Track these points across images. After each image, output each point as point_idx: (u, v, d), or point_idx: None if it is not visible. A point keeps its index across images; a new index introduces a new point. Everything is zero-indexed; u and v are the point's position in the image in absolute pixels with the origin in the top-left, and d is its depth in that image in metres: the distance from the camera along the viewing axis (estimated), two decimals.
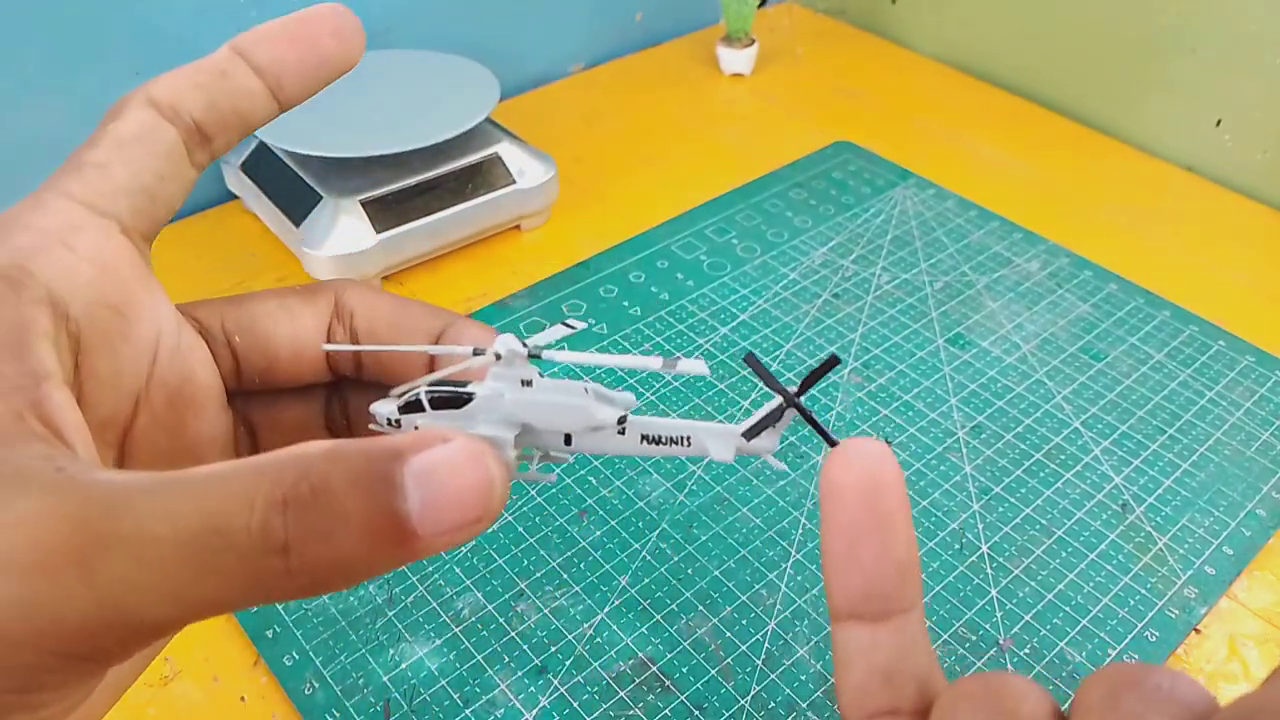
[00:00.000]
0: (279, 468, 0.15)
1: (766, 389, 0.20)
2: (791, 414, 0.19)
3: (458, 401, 0.19)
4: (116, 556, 0.14)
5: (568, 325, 0.20)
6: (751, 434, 0.20)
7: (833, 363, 0.18)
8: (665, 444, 0.20)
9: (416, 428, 0.20)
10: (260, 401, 0.23)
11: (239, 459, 0.15)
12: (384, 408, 0.20)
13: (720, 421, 0.20)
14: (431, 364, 0.22)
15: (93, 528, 0.14)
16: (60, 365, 0.17)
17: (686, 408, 0.48)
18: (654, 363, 0.19)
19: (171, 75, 0.20)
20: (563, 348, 0.20)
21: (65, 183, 0.19)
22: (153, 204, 0.20)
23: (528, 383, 0.19)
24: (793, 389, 0.19)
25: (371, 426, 0.20)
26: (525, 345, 0.19)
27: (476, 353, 0.19)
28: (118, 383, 0.19)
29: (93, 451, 0.17)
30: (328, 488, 0.15)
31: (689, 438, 0.20)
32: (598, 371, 0.49)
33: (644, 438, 0.20)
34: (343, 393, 0.24)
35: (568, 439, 0.20)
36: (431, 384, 0.20)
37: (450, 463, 0.15)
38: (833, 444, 0.19)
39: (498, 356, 0.19)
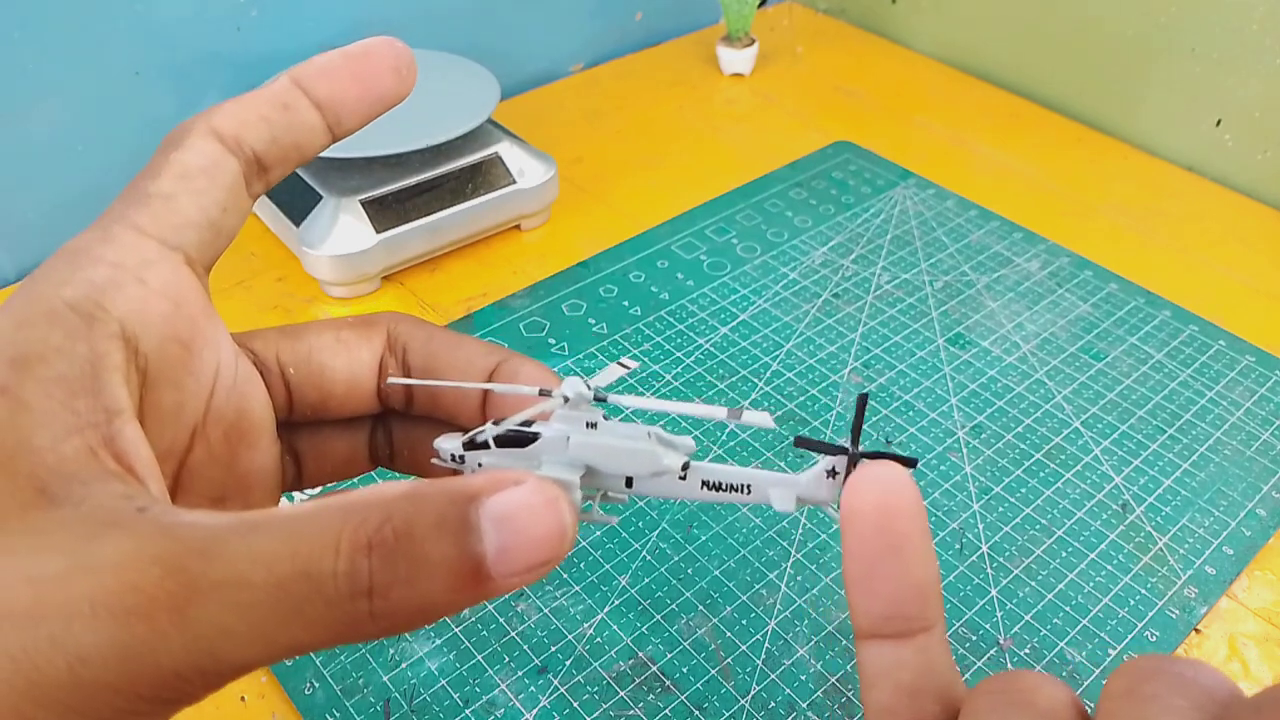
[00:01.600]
0: (364, 510, 0.15)
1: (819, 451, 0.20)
2: (855, 467, 0.19)
3: (522, 441, 0.19)
4: (211, 601, 0.14)
5: (623, 365, 0.20)
6: (800, 444, 0.20)
7: (911, 462, 0.19)
8: (726, 490, 0.20)
9: (480, 465, 0.20)
10: (307, 431, 0.23)
11: (321, 500, 0.15)
12: (448, 444, 0.20)
13: (779, 469, 0.20)
14: (485, 400, 0.22)
15: (187, 572, 0.14)
16: (131, 401, 0.17)
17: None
18: (719, 412, 0.19)
19: (234, 105, 0.20)
20: (625, 391, 0.20)
21: (133, 215, 0.19)
22: (216, 236, 0.20)
23: (592, 425, 0.19)
24: (844, 440, 0.19)
25: (434, 462, 0.21)
26: (590, 388, 0.19)
27: (542, 393, 0.19)
28: (179, 416, 0.19)
29: (163, 488, 0.17)
30: (410, 532, 0.15)
31: (749, 485, 0.20)
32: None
33: (705, 484, 0.20)
34: (387, 423, 0.24)
35: (629, 482, 0.20)
36: (495, 424, 0.20)
37: (527, 507, 0.15)
38: (912, 464, 0.19)
39: (565, 399, 0.19)
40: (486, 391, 0.21)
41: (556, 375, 0.21)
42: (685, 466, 0.20)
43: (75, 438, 0.16)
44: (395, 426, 0.24)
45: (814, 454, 0.20)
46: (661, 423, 0.24)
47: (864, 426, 0.47)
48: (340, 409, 0.22)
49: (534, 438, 0.19)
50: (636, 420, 0.20)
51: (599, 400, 0.19)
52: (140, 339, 0.18)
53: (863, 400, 0.19)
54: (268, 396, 0.21)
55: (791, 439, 0.21)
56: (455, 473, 0.20)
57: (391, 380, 0.21)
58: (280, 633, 0.14)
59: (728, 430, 0.47)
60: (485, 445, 0.20)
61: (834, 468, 0.20)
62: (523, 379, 0.21)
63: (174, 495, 0.20)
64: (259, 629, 0.14)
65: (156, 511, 0.15)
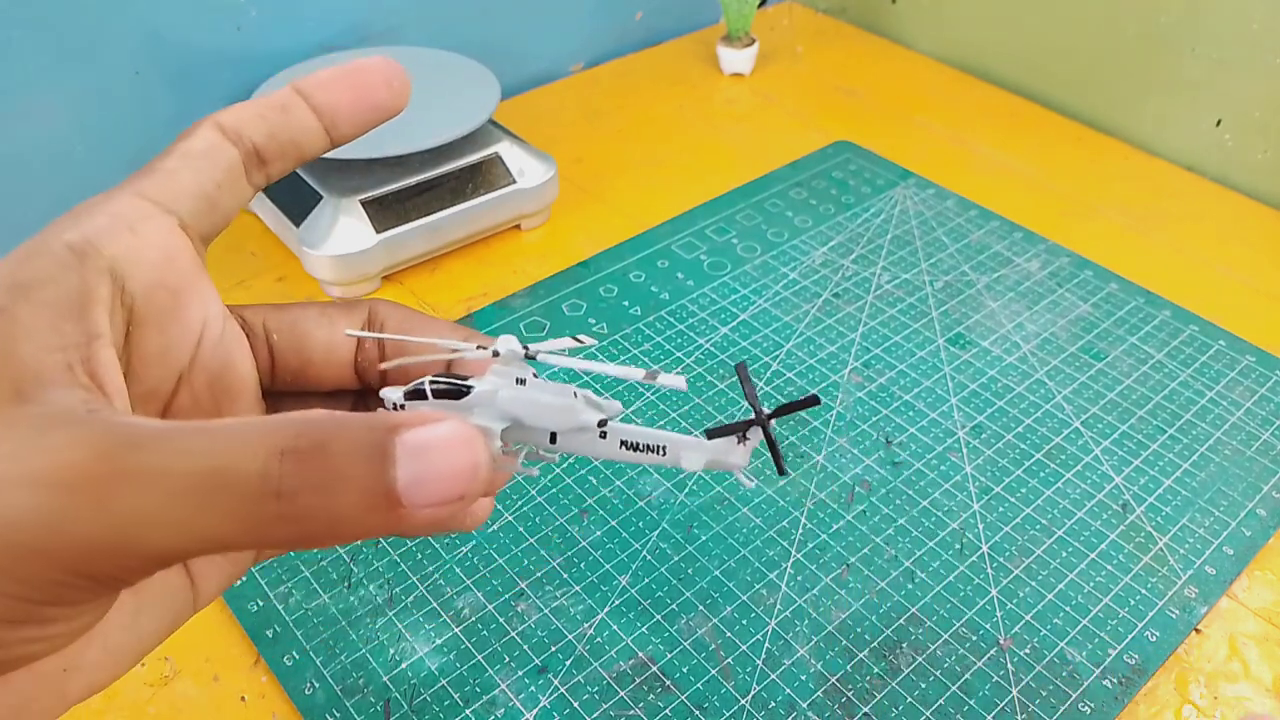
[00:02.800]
0: (285, 422, 0.16)
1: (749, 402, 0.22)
2: (758, 433, 0.21)
3: (457, 394, 0.21)
4: (130, 486, 0.16)
5: (576, 339, 0.21)
6: (712, 436, 0.21)
7: (812, 401, 0.20)
8: (642, 451, 0.21)
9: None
10: (292, 402, 0.24)
11: (254, 416, 0.17)
12: (392, 394, 0.22)
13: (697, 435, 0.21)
14: (448, 372, 0.23)
15: (112, 459, 0.16)
16: (112, 331, 0.19)
17: (686, 407, 0.48)
18: (636, 374, 0.20)
19: (239, 106, 0.22)
20: (558, 353, 0.21)
21: (137, 183, 0.21)
22: (211, 210, 0.22)
23: (522, 381, 0.20)
24: (765, 409, 0.21)
25: (379, 410, 0.22)
26: (524, 347, 0.21)
27: (480, 349, 0.21)
28: (164, 359, 0.21)
29: (128, 409, 0.19)
30: (325, 446, 0.16)
31: (664, 447, 0.21)
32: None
33: (623, 443, 0.21)
34: (367, 402, 0.25)
35: (553, 438, 0.21)
36: (435, 378, 0.21)
37: (441, 441, 0.16)
38: (783, 473, 0.21)
39: (495, 354, 0.21)
40: (448, 365, 0.23)
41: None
42: (603, 424, 0.21)
43: (57, 354, 0.18)
44: (375, 405, 0.25)
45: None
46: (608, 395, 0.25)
47: (864, 426, 0.47)
48: (319, 377, 0.24)
49: (468, 391, 0.21)
50: (575, 386, 0.21)
51: (530, 358, 0.21)
52: (128, 278, 0.20)
53: (812, 400, 0.20)
54: (252, 356, 0.23)
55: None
56: None
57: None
58: (194, 521, 0.16)
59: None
60: (425, 396, 0.21)
61: (744, 434, 0.21)
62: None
63: None
64: (174, 516, 0.16)
65: (105, 414, 0.17)
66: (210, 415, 0.22)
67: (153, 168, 0.22)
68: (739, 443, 0.21)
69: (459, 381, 0.21)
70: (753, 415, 0.21)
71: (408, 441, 0.16)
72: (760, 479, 0.44)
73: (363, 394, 0.25)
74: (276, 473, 0.16)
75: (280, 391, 0.24)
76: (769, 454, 0.21)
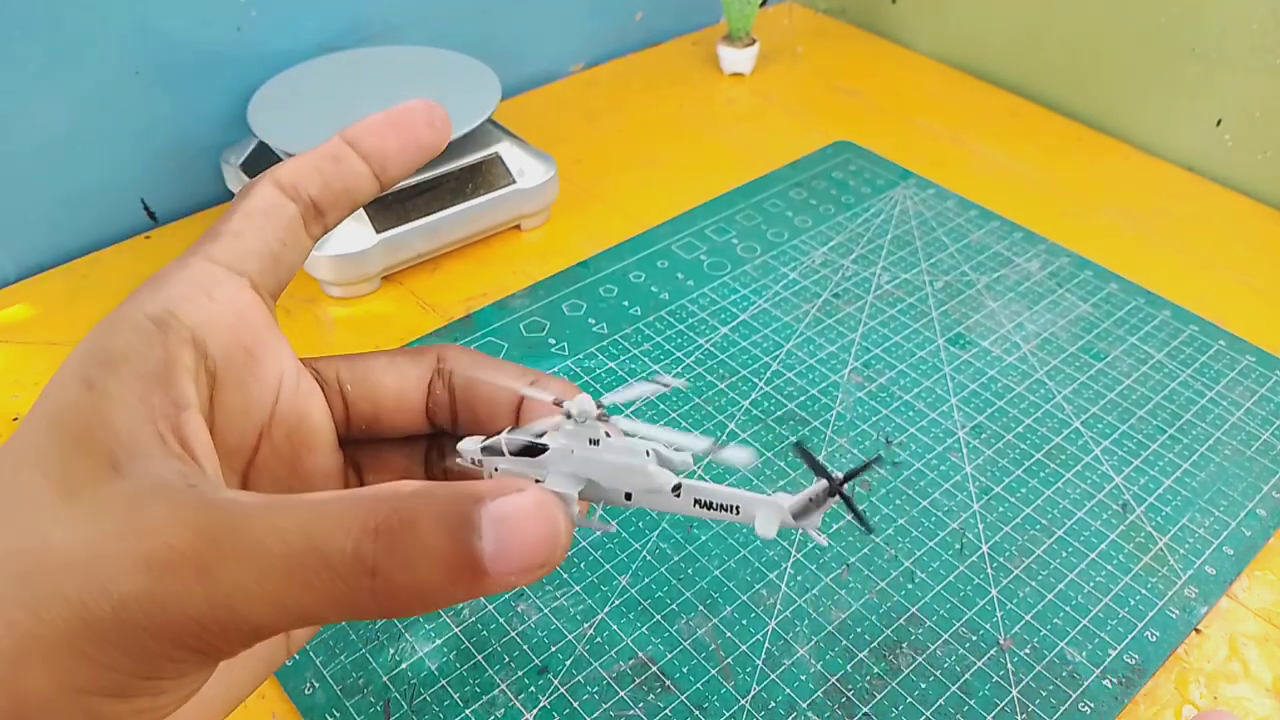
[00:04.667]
0: (375, 500, 0.17)
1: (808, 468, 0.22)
2: (834, 499, 0.21)
3: (533, 451, 0.21)
4: (231, 564, 0.16)
5: (660, 383, 0.21)
6: (798, 514, 0.21)
7: (875, 460, 0.21)
8: (715, 509, 0.21)
9: (496, 470, 0.22)
10: (368, 448, 0.25)
11: (345, 490, 0.18)
12: (469, 448, 0.22)
13: (766, 494, 0.22)
14: (518, 417, 0.24)
15: (214, 538, 0.17)
16: (198, 397, 0.20)
17: (686, 407, 0.48)
18: (701, 444, 0.21)
19: (294, 161, 0.23)
20: (626, 413, 0.22)
21: (206, 248, 0.22)
22: (277, 266, 0.23)
23: (595, 441, 0.21)
24: (838, 475, 0.20)
25: (456, 461, 0.23)
26: (600, 405, 0.21)
27: (557, 403, 0.21)
28: (245, 416, 0.22)
29: (219, 473, 0.19)
30: (414, 522, 0.17)
31: (738, 507, 0.21)
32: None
33: (696, 502, 0.21)
34: (441, 444, 0.26)
35: (628, 496, 0.21)
36: (511, 432, 0.22)
37: (523, 511, 0.17)
38: (868, 530, 0.20)
39: (568, 415, 0.21)
40: (519, 410, 0.24)
41: (578, 390, 0.23)
42: (677, 488, 0.21)
43: (148, 425, 0.18)
44: (447, 447, 0.26)
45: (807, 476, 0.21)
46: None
47: (864, 427, 0.47)
48: (391, 423, 0.25)
49: (543, 449, 0.21)
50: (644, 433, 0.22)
51: (601, 418, 0.21)
52: (209, 344, 0.21)
53: (800, 447, 0.21)
54: (327, 407, 0.24)
55: (792, 441, 0.22)
56: (475, 474, 0.23)
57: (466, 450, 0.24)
58: (290, 598, 0.16)
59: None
60: (500, 451, 0.22)
61: (819, 496, 0.21)
62: (550, 391, 0.23)
63: (245, 488, 0.23)
64: (272, 593, 0.16)
65: (203, 488, 0.17)
66: (290, 466, 0.23)
67: (218, 231, 0.22)
68: (811, 502, 0.21)
69: (535, 439, 0.21)
70: (822, 482, 0.20)
71: (492, 512, 0.17)
72: (761, 479, 0.44)
73: (436, 436, 0.26)
74: (370, 551, 0.16)
75: (356, 439, 0.25)
76: (850, 517, 0.21)
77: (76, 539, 0.17)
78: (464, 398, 0.24)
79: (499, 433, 0.22)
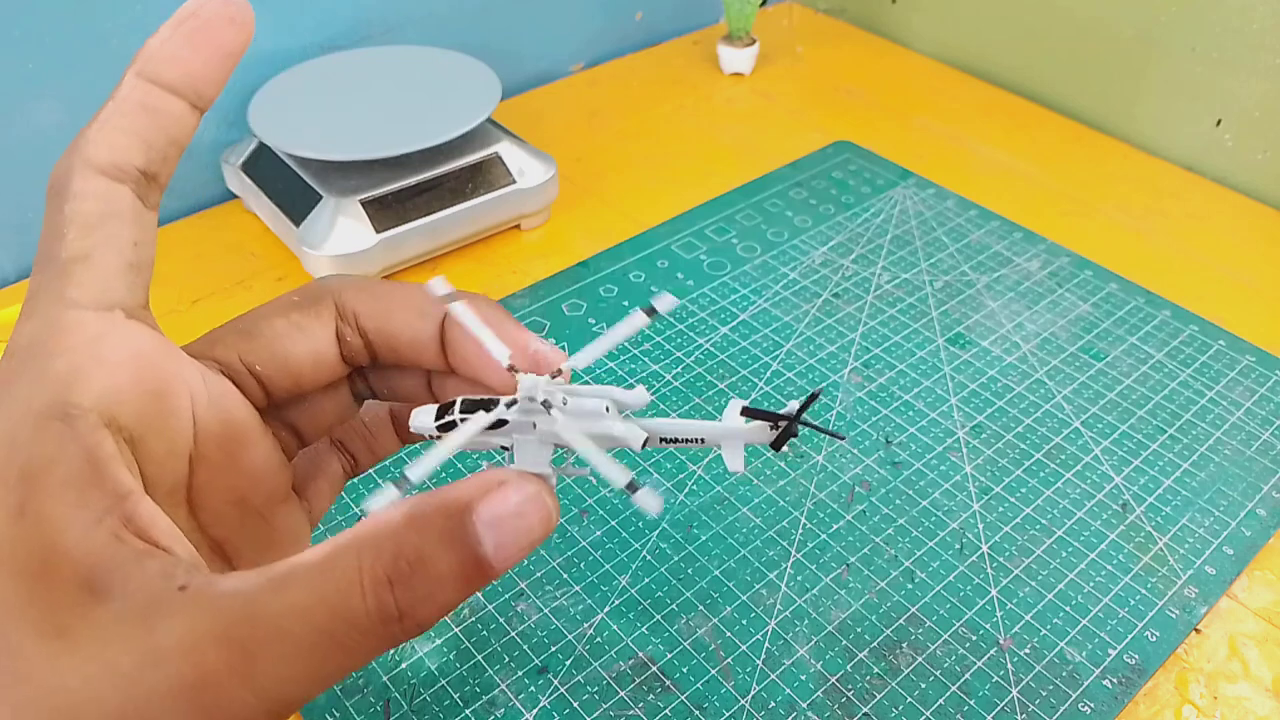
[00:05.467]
0: (375, 547, 0.17)
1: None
2: (793, 433, 0.22)
3: (489, 412, 0.21)
4: (265, 659, 0.16)
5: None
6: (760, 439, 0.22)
7: (816, 395, 0.22)
8: (681, 442, 0.22)
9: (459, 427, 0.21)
10: (294, 407, 0.24)
11: (335, 544, 0.17)
12: (423, 424, 0.22)
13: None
14: (442, 347, 0.23)
15: (240, 642, 0.16)
16: (134, 477, 0.18)
17: (686, 407, 0.48)
18: (620, 478, 0.21)
19: (99, 130, 0.20)
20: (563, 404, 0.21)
21: (59, 288, 0.19)
22: (139, 272, 0.20)
23: (549, 404, 0.21)
24: (793, 406, 0.22)
25: (414, 429, 0.22)
26: (542, 392, 0.21)
27: (512, 368, 0.21)
28: (172, 454, 0.20)
29: (190, 549, 0.18)
30: (423, 559, 0.17)
31: (703, 439, 0.22)
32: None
33: (663, 440, 0.22)
34: (367, 377, 0.25)
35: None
36: (465, 403, 0.21)
37: (513, 509, 0.18)
38: (840, 437, 0.23)
39: (511, 404, 0.21)
40: (443, 336, 0.23)
41: (502, 309, 0.23)
42: (645, 442, 0.22)
43: (96, 530, 0.17)
44: (369, 373, 0.26)
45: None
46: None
47: (864, 426, 0.47)
48: (313, 383, 0.24)
49: (503, 422, 0.21)
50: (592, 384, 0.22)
51: (546, 404, 0.21)
52: (119, 415, 0.19)
53: (746, 409, 0.22)
54: (244, 399, 0.22)
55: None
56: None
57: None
58: (327, 666, 0.17)
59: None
60: (455, 424, 0.21)
61: (776, 424, 0.22)
62: (471, 329, 0.22)
63: (194, 513, 0.22)
64: (309, 668, 0.17)
65: (196, 586, 0.17)
66: (231, 470, 0.22)
67: (60, 259, 0.19)
68: (771, 429, 0.22)
69: (488, 407, 0.21)
70: (789, 413, 0.22)
71: (484, 518, 0.18)
72: (760, 478, 0.44)
73: (358, 372, 0.25)
74: (390, 600, 0.17)
75: (281, 405, 0.24)
76: (821, 431, 0.22)
77: (101, 688, 0.16)
78: (380, 341, 0.23)
79: (450, 404, 0.21)
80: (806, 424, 0.21)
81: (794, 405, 0.21)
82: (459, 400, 0.21)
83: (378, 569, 0.17)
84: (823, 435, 0.47)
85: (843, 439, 0.22)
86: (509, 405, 0.21)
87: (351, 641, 0.17)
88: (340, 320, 0.23)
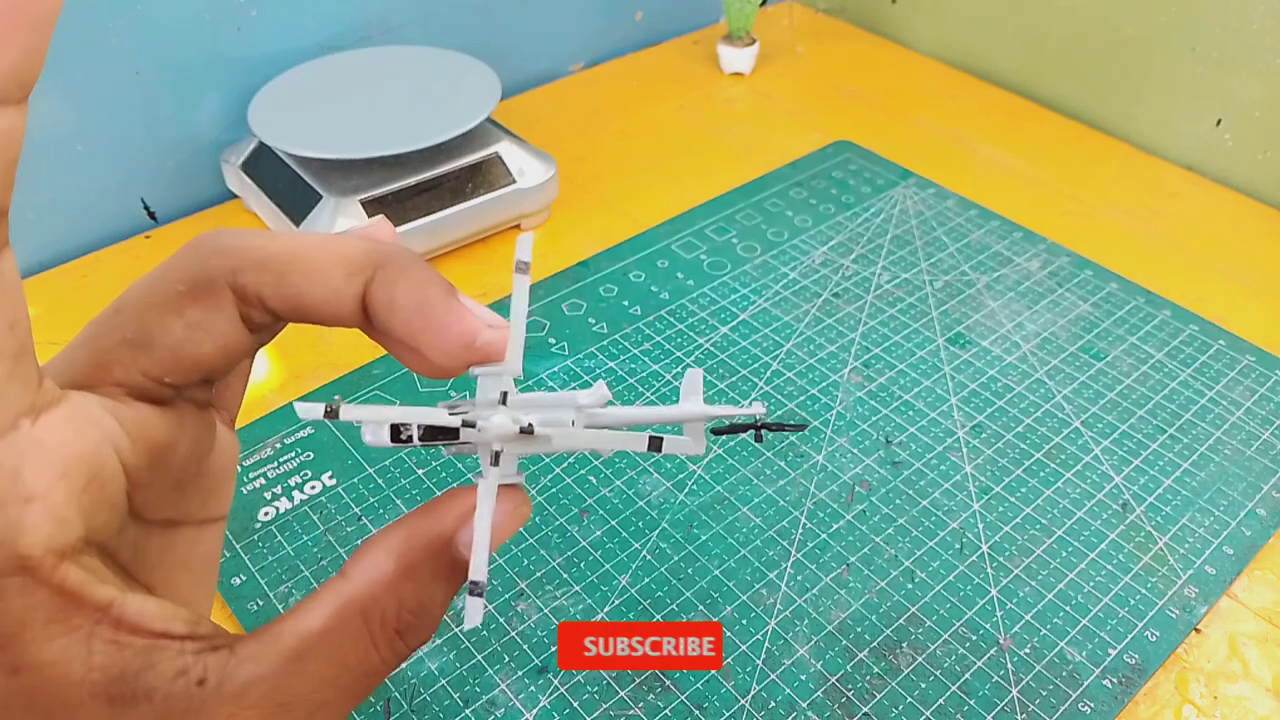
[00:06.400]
0: (379, 608, 0.19)
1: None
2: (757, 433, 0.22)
3: (450, 433, 0.20)
4: None
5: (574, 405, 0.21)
6: (718, 429, 0.22)
7: (799, 428, 0.22)
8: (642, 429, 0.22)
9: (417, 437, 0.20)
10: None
11: (338, 610, 0.18)
12: (379, 439, 0.20)
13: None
14: (364, 299, 0.20)
15: None
16: (109, 577, 0.18)
17: None
18: (595, 394, 0.21)
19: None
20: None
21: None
22: (24, 357, 0.17)
23: (504, 400, 0.20)
24: (759, 410, 0.22)
25: (369, 442, 0.21)
26: (508, 440, 0.20)
27: (466, 425, 0.20)
28: (114, 508, 0.18)
29: (190, 618, 0.18)
30: (423, 605, 0.19)
31: (660, 428, 0.22)
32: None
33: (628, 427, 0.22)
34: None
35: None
36: (424, 430, 0.20)
37: (498, 529, 0.20)
38: (802, 428, 0.22)
39: (467, 426, 0.20)
40: (365, 291, 0.20)
41: (435, 277, 0.20)
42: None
43: (94, 647, 0.17)
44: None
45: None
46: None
47: (864, 426, 0.47)
48: (228, 368, 0.21)
49: (456, 433, 0.20)
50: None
51: (525, 432, 0.20)
52: (67, 538, 0.17)
53: (799, 427, 0.22)
54: (158, 412, 0.20)
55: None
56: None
57: (304, 413, 0.19)
58: (355, 702, 0.19)
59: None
60: (411, 439, 0.20)
61: (738, 423, 0.22)
62: (403, 298, 0.19)
63: (139, 517, 0.20)
64: (343, 710, 0.19)
65: (212, 679, 0.17)
66: (163, 477, 0.20)
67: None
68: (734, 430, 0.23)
69: (445, 426, 0.20)
70: (755, 422, 0.22)
71: (465, 540, 0.19)
72: (760, 478, 0.44)
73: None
74: (401, 647, 0.19)
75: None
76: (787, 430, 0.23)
77: None
78: (294, 315, 0.20)
79: (405, 426, 0.20)
80: (768, 426, 0.22)
81: (760, 407, 0.22)
82: (415, 426, 0.20)
83: (387, 627, 0.19)
84: (808, 427, 0.47)
85: (803, 429, 0.22)
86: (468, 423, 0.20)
87: (371, 685, 0.19)
88: (244, 304, 0.20)
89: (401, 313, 0.19)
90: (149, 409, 0.20)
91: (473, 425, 0.20)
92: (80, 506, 0.17)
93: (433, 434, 0.20)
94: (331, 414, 0.18)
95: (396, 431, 0.20)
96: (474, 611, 0.19)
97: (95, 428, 0.18)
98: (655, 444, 0.21)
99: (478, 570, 0.19)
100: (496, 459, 0.20)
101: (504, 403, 0.20)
